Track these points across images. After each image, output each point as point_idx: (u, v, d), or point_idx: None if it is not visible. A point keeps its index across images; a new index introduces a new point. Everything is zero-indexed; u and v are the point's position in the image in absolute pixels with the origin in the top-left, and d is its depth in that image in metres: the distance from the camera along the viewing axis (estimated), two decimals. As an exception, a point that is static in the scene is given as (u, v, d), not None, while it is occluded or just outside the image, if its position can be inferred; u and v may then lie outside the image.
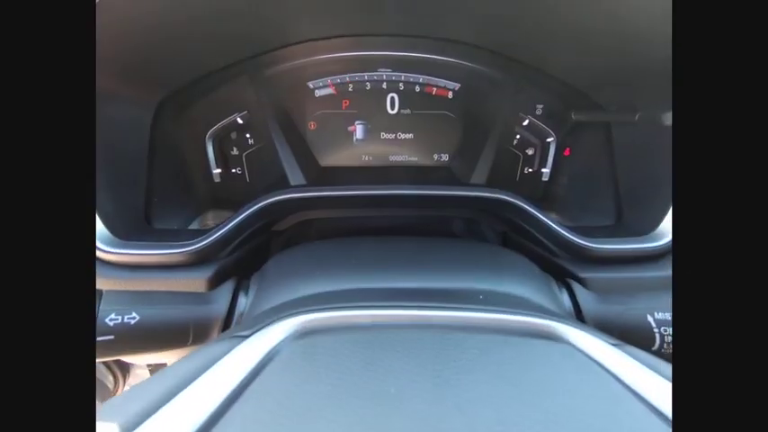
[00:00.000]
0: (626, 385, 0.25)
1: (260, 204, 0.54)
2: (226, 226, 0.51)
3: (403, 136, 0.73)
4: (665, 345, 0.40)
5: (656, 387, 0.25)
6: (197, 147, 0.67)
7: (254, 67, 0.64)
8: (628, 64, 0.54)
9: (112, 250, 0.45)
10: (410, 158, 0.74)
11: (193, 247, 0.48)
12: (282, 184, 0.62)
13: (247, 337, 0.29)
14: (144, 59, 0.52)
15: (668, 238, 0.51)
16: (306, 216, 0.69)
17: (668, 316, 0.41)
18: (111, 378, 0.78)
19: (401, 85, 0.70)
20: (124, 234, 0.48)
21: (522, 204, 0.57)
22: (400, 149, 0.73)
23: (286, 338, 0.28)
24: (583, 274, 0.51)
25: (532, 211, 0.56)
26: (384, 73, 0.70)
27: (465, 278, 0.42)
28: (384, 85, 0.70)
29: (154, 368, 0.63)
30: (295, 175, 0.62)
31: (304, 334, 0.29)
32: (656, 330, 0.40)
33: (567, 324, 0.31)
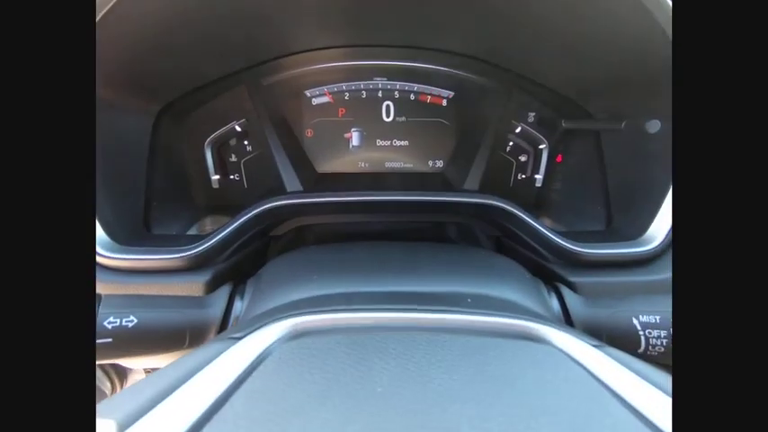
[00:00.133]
0: (605, 384, 0.26)
1: (257, 210, 0.55)
2: (223, 231, 0.52)
3: (398, 143, 0.74)
4: (650, 347, 0.41)
5: (635, 386, 0.26)
6: (196, 154, 0.69)
7: (252, 76, 0.66)
8: (614, 74, 0.56)
9: (112, 255, 0.46)
10: (405, 165, 0.75)
11: (191, 252, 0.49)
12: (279, 190, 0.63)
13: (240, 338, 0.30)
14: (144, 70, 0.54)
15: (656, 242, 0.52)
16: (302, 222, 0.70)
17: (653, 319, 0.42)
18: (108, 383, 0.78)
19: (396, 93, 0.72)
20: (124, 239, 0.49)
21: (514, 210, 0.58)
22: (395, 156, 0.75)
23: (278, 340, 0.29)
24: (573, 279, 0.52)
25: (524, 216, 0.57)
26: (379, 82, 0.71)
27: (454, 282, 0.43)
28: (379, 94, 0.72)
29: (151, 373, 0.63)
30: (292, 182, 0.63)
31: (296, 336, 0.30)
32: (641, 333, 0.41)
33: (549, 326, 0.32)
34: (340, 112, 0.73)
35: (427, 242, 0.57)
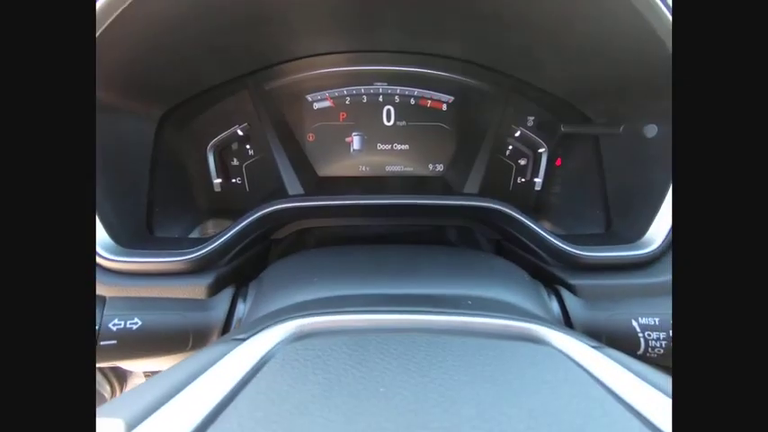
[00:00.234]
0: (604, 385, 0.26)
1: (259, 213, 0.56)
2: (226, 234, 0.53)
3: (399, 147, 0.75)
4: (650, 349, 0.41)
5: (634, 387, 0.26)
6: (198, 158, 0.70)
7: (254, 81, 0.67)
8: (612, 79, 0.56)
9: (116, 258, 0.47)
10: (406, 169, 0.76)
11: (194, 255, 0.49)
12: (281, 193, 0.63)
13: (244, 340, 0.30)
14: (148, 75, 0.54)
15: (655, 245, 0.53)
16: (304, 225, 0.71)
17: (652, 321, 0.42)
18: (107, 387, 0.78)
19: (397, 98, 0.73)
20: (127, 242, 0.50)
21: (514, 213, 0.58)
22: (396, 160, 0.75)
23: (281, 341, 0.30)
24: (572, 281, 0.52)
25: (524, 219, 0.58)
26: (380, 86, 0.72)
27: (455, 284, 0.43)
28: (380, 98, 0.73)
29: (151, 376, 0.64)
30: (293, 185, 0.64)
31: (299, 337, 0.30)
32: (640, 335, 0.41)
33: (548, 327, 0.32)
34: (341, 117, 0.73)
35: (428, 245, 0.57)
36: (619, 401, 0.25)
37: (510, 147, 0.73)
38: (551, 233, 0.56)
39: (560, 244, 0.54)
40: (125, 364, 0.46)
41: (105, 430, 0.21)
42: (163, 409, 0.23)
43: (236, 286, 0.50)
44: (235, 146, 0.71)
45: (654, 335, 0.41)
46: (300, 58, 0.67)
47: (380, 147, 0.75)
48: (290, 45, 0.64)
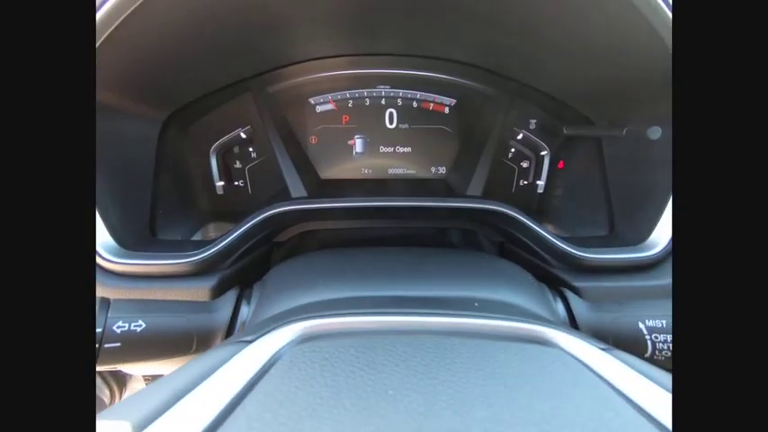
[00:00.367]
0: (614, 387, 0.26)
1: (262, 216, 0.56)
2: (229, 237, 0.53)
3: (401, 149, 0.75)
4: (657, 351, 0.41)
5: (644, 389, 0.26)
6: (201, 160, 0.70)
7: (257, 84, 0.67)
8: (615, 82, 0.57)
9: (119, 261, 0.47)
10: (408, 171, 0.76)
11: (197, 258, 0.49)
12: (284, 196, 0.63)
13: (251, 341, 0.30)
14: (152, 79, 0.55)
15: (659, 247, 0.53)
16: (306, 227, 0.71)
17: (659, 323, 0.42)
18: (107, 392, 0.78)
19: (399, 101, 0.73)
20: (130, 245, 0.50)
21: (517, 216, 0.58)
22: (399, 162, 0.75)
23: (289, 343, 0.29)
24: (577, 284, 0.52)
25: (527, 222, 0.58)
26: (383, 90, 0.72)
27: (461, 287, 0.43)
28: (383, 101, 0.73)
29: (151, 380, 0.63)
30: (296, 188, 0.64)
31: (306, 339, 0.30)
32: (647, 337, 0.41)
33: (557, 329, 0.32)
34: (344, 120, 0.73)
35: (431, 247, 0.57)
36: (629, 403, 0.24)
37: (512, 149, 0.73)
38: (554, 235, 0.56)
39: (564, 246, 0.54)
40: (128, 367, 0.45)
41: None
42: (171, 411, 0.22)
43: (239, 288, 0.50)
44: (237, 148, 0.71)
45: (661, 337, 0.41)
46: (303, 61, 0.68)
47: (383, 149, 0.75)
48: (292, 49, 0.65)
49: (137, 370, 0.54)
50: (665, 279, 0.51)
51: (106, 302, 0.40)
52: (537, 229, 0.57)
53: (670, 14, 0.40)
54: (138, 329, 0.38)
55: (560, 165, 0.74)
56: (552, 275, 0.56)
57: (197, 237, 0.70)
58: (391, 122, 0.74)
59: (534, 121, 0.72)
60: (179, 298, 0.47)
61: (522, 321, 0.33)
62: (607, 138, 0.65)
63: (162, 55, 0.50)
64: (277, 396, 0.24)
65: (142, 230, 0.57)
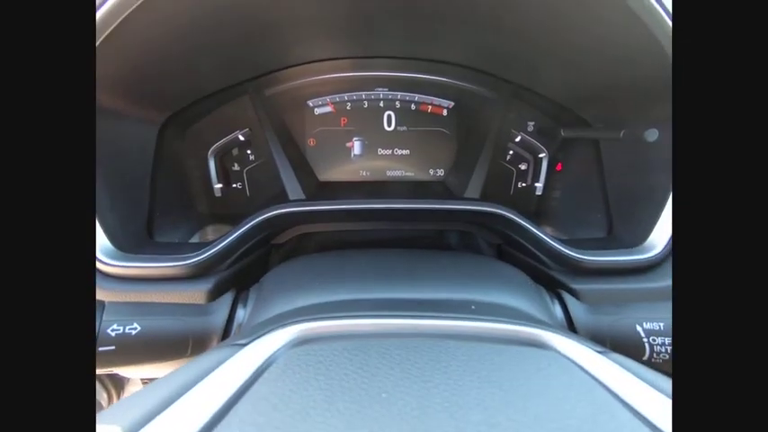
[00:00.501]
0: (610, 390, 0.26)
1: (260, 218, 0.56)
2: (226, 239, 0.53)
3: (399, 152, 0.75)
4: (655, 354, 0.41)
5: (640, 392, 0.26)
6: (199, 163, 0.70)
7: (255, 87, 0.67)
8: (612, 84, 0.57)
9: (115, 263, 0.47)
10: (406, 173, 0.76)
11: (194, 260, 0.49)
12: (282, 198, 0.63)
13: (246, 344, 0.30)
14: (150, 82, 0.55)
15: (657, 250, 0.53)
16: (304, 229, 0.71)
17: (657, 326, 0.42)
18: (104, 395, 0.77)
19: (397, 103, 0.73)
20: (127, 247, 0.50)
21: (515, 218, 0.58)
22: (397, 165, 0.75)
23: (283, 346, 0.29)
24: (575, 286, 0.52)
25: (525, 224, 0.58)
26: (381, 92, 0.73)
27: (458, 289, 0.43)
28: (381, 104, 0.73)
29: (148, 384, 0.63)
30: (294, 190, 0.64)
31: (301, 342, 0.30)
32: (645, 340, 0.41)
33: (553, 332, 0.32)
34: (342, 122, 0.74)
35: (429, 250, 0.57)
36: (625, 407, 0.24)
37: (510, 152, 0.73)
38: (553, 237, 0.56)
39: (562, 248, 0.54)
40: (123, 371, 0.45)
41: (104, 437, 0.21)
42: (163, 414, 0.22)
43: (236, 291, 0.50)
44: (236, 151, 0.71)
45: (659, 340, 0.41)
46: (301, 63, 0.68)
47: (381, 152, 0.75)
48: (290, 51, 0.65)
49: (133, 373, 0.54)
50: (662, 281, 0.51)
51: (101, 305, 0.40)
52: (535, 231, 0.57)
53: (667, 20, 0.41)
54: (133, 332, 0.38)
55: (558, 167, 0.74)
56: (550, 278, 0.56)
57: (195, 239, 0.70)
58: (389, 125, 0.74)
59: (532, 123, 0.72)
60: (175, 301, 0.47)
61: (518, 324, 0.33)
62: (605, 140, 0.65)
63: (160, 58, 0.51)
64: (271, 399, 0.24)
65: (140, 233, 0.57)
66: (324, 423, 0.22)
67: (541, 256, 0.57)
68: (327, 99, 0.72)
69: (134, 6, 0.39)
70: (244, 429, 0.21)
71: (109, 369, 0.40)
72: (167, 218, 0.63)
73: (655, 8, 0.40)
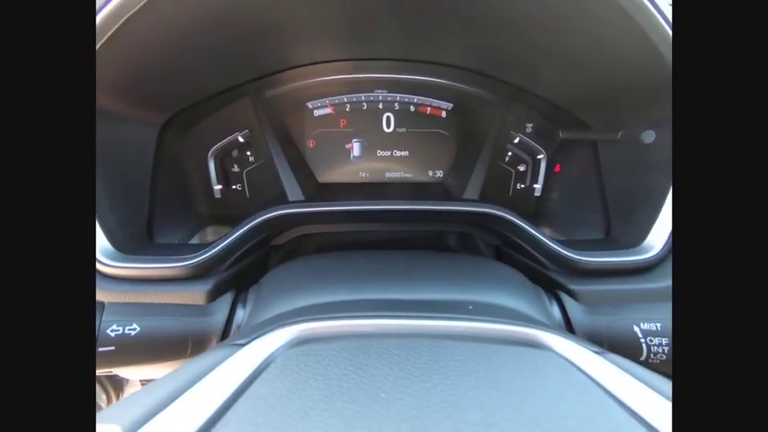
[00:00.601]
0: (606, 390, 0.26)
1: (259, 219, 0.56)
2: (226, 240, 0.53)
3: (398, 153, 0.75)
4: (652, 355, 0.41)
5: (636, 392, 0.26)
6: (199, 164, 0.70)
7: (255, 89, 0.68)
8: (610, 86, 0.57)
9: (115, 264, 0.47)
10: (406, 175, 0.76)
11: (193, 261, 0.49)
12: (281, 199, 0.63)
13: (245, 344, 0.30)
14: (150, 83, 0.55)
15: (654, 250, 0.53)
16: (304, 231, 0.71)
17: (654, 326, 0.42)
18: (103, 396, 0.77)
19: (396, 105, 0.74)
20: (127, 248, 0.50)
21: (514, 219, 0.58)
22: (396, 166, 0.76)
23: (282, 346, 0.29)
24: (573, 287, 0.52)
25: (524, 225, 0.58)
26: (380, 94, 0.73)
27: (456, 290, 0.43)
28: (380, 106, 0.74)
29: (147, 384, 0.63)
30: (294, 191, 0.64)
31: (299, 342, 0.30)
32: (642, 341, 0.41)
33: (550, 332, 0.32)
34: (341, 124, 0.74)
35: (428, 251, 0.57)
36: (622, 406, 0.24)
37: (509, 153, 0.74)
38: (551, 238, 0.56)
39: (560, 249, 0.55)
40: (122, 371, 0.45)
41: (104, 436, 0.21)
42: (162, 414, 0.22)
43: (235, 292, 0.50)
44: (235, 152, 0.71)
45: (656, 340, 0.41)
46: (301, 65, 0.68)
47: (380, 153, 0.75)
48: (290, 54, 0.65)
49: (132, 374, 0.54)
50: (660, 282, 0.51)
51: (101, 306, 0.40)
52: (533, 232, 0.57)
53: (665, 23, 0.41)
54: (133, 333, 0.38)
55: (557, 168, 0.74)
56: (548, 278, 0.56)
57: (195, 240, 0.70)
58: (389, 126, 0.74)
59: (531, 124, 0.72)
60: (175, 301, 0.47)
61: (515, 324, 0.33)
62: (602, 141, 0.65)
63: (161, 60, 0.51)
64: (269, 399, 0.24)
65: (139, 234, 0.57)
66: (322, 423, 0.22)
67: (540, 257, 0.57)
68: (327, 101, 0.72)
69: (135, 9, 0.39)
70: (242, 429, 0.22)
71: (108, 370, 0.40)
72: (167, 219, 0.63)
73: (648, 9, 0.40)
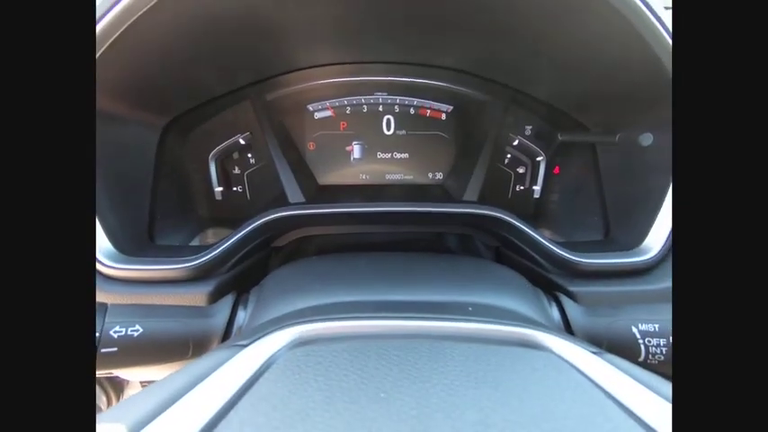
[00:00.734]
0: (605, 391, 0.26)
1: (260, 221, 0.56)
2: (226, 242, 0.53)
3: (398, 155, 0.76)
4: (650, 356, 0.41)
5: (635, 393, 0.26)
6: (200, 166, 0.70)
7: (256, 91, 0.68)
8: (608, 89, 0.57)
9: (117, 266, 0.47)
10: (406, 177, 0.76)
11: (195, 263, 0.50)
12: (282, 201, 0.64)
13: (246, 346, 0.30)
14: (152, 87, 0.55)
15: (653, 252, 0.53)
16: (304, 233, 0.71)
17: (652, 327, 0.42)
18: (104, 398, 0.78)
19: (396, 107, 0.74)
20: (129, 250, 0.50)
21: (513, 221, 0.59)
22: (396, 168, 0.76)
23: (283, 347, 0.30)
24: (572, 288, 0.52)
25: (523, 227, 0.58)
26: (380, 96, 0.73)
27: (456, 291, 0.43)
28: (380, 108, 0.74)
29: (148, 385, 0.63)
30: (294, 193, 0.64)
31: (300, 343, 0.30)
32: (641, 341, 0.41)
33: (549, 333, 0.32)
34: (342, 126, 0.74)
35: (428, 252, 0.57)
36: (620, 407, 0.25)
37: (508, 155, 0.74)
38: (550, 240, 0.57)
39: (559, 251, 0.55)
40: (124, 372, 0.45)
41: (107, 436, 0.21)
42: (164, 414, 0.23)
43: (236, 293, 0.50)
44: (236, 155, 0.72)
45: (654, 341, 0.41)
46: (302, 69, 0.69)
47: (380, 155, 0.75)
48: (291, 57, 0.66)
49: (133, 375, 0.54)
50: (659, 283, 0.52)
51: (103, 307, 0.40)
52: (532, 233, 0.57)
53: (661, 28, 0.41)
54: (135, 334, 0.39)
55: (556, 170, 0.74)
56: (547, 280, 0.56)
57: (196, 242, 0.70)
58: (389, 129, 0.75)
59: (530, 127, 0.73)
60: (176, 303, 0.47)
61: (513, 325, 0.33)
62: (601, 144, 0.66)
63: (162, 63, 0.51)
64: (270, 400, 0.24)
65: (140, 236, 0.58)
66: (323, 423, 0.22)
67: (539, 258, 0.58)
68: (327, 103, 0.73)
69: (138, 14, 0.40)
70: (244, 429, 0.22)
71: (111, 371, 0.40)
72: (168, 221, 0.64)
73: (645, 13, 0.41)
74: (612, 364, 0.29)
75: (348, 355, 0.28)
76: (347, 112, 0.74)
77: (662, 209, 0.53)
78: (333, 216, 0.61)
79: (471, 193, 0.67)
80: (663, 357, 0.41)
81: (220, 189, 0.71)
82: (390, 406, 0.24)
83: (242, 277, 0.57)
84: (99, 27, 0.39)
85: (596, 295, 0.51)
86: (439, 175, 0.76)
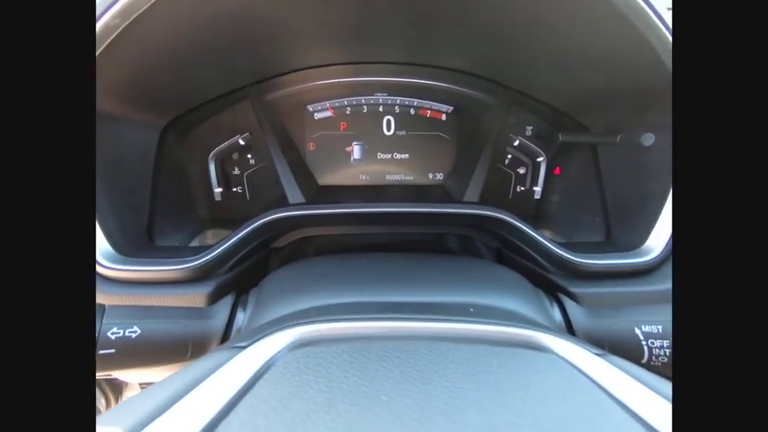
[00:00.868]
0: (608, 392, 0.26)
1: (260, 222, 0.56)
2: (226, 243, 0.53)
3: (399, 156, 0.76)
4: (654, 357, 0.41)
5: (638, 394, 0.26)
6: (199, 167, 0.70)
7: (256, 92, 0.68)
8: (609, 89, 0.57)
9: (116, 267, 0.47)
10: (406, 178, 0.76)
11: (194, 264, 0.49)
12: (282, 202, 0.64)
13: (245, 347, 0.30)
14: (152, 88, 0.55)
15: (655, 253, 0.53)
16: (304, 233, 0.71)
17: (655, 328, 0.42)
18: (102, 400, 0.77)
19: (397, 108, 0.74)
20: (128, 251, 0.50)
21: (514, 221, 0.58)
22: (396, 169, 0.76)
23: (283, 349, 0.29)
24: (573, 289, 0.52)
25: (524, 227, 0.58)
26: (380, 97, 0.73)
27: (457, 292, 0.43)
28: (380, 109, 0.74)
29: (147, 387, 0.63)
30: (294, 194, 0.64)
31: (300, 345, 0.30)
32: (644, 343, 0.41)
33: (551, 335, 0.32)
34: (342, 126, 0.74)
35: (429, 253, 0.57)
36: (623, 409, 0.24)
37: (509, 156, 0.74)
38: (551, 241, 0.56)
39: (560, 251, 0.55)
40: (122, 374, 0.45)
41: (104, 439, 0.21)
42: (163, 417, 0.22)
43: (236, 294, 0.50)
44: (236, 155, 0.72)
45: (657, 343, 0.41)
46: (302, 69, 0.69)
47: (380, 156, 0.75)
48: (291, 57, 0.66)
49: (132, 377, 0.54)
50: (660, 284, 0.51)
51: (101, 308, 0.40)
52: (533, 234, 0.57)
53: (663, 28, 0.41)
54: (133, 336, 0.38)
55: (557, 171, 0.74)
56: (549, 281, 0.56)
57: (195, 243, 0.70)
58: (389, 129, 0.74)
59: (530, 127, 0.72)
60: (175, 304, 0.47)
61: (516, 327, 0.33)
62: (602, 144, 0.66)
63: (162, 64, 0.51)
64: (270, 402, 0.24)
65: (140, 237, 0.57)
66: (323, 425, 0.22)
67: (540, 259, 0.57)
68: (327, 104, 0.73)
69: (137, 14, 0.40)
70: (243, 431, 0.22)
71: (109, 372, 0.40)
72: (168, 222, 0.63)
73: (647, 14, 0.40)
74: (616, 365, 0.28)
75: (349, 356, 0.28)
76: (347, 112, 0.74)
77: (664, 209, 0.53)
78: (333, 217, 0.61)
79: (472, 193, 0.66)
80: (666, 359, 0.41)
81: (220, 190, 0.71)
82: (391, 408, 0.23)
83: (241, 278, 0.57)
84: (98, 26, 0.39)
85: (598, 296, 0.51)
86: (439, 176, 0.76)
